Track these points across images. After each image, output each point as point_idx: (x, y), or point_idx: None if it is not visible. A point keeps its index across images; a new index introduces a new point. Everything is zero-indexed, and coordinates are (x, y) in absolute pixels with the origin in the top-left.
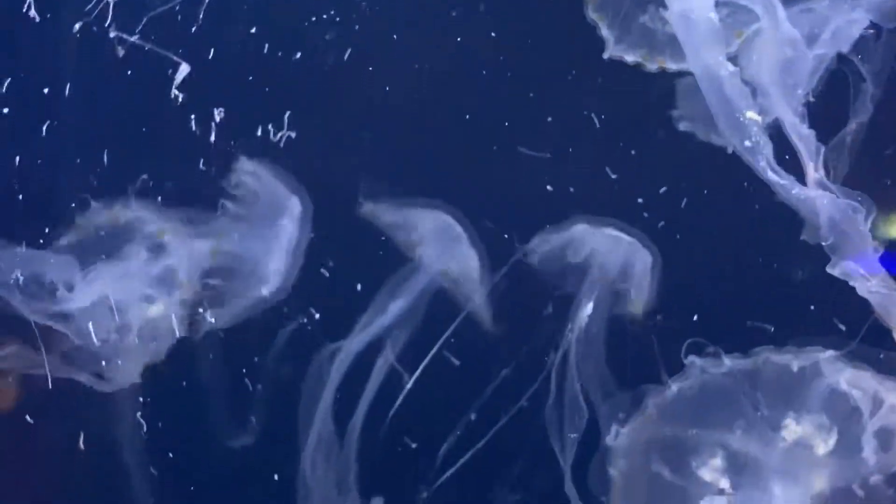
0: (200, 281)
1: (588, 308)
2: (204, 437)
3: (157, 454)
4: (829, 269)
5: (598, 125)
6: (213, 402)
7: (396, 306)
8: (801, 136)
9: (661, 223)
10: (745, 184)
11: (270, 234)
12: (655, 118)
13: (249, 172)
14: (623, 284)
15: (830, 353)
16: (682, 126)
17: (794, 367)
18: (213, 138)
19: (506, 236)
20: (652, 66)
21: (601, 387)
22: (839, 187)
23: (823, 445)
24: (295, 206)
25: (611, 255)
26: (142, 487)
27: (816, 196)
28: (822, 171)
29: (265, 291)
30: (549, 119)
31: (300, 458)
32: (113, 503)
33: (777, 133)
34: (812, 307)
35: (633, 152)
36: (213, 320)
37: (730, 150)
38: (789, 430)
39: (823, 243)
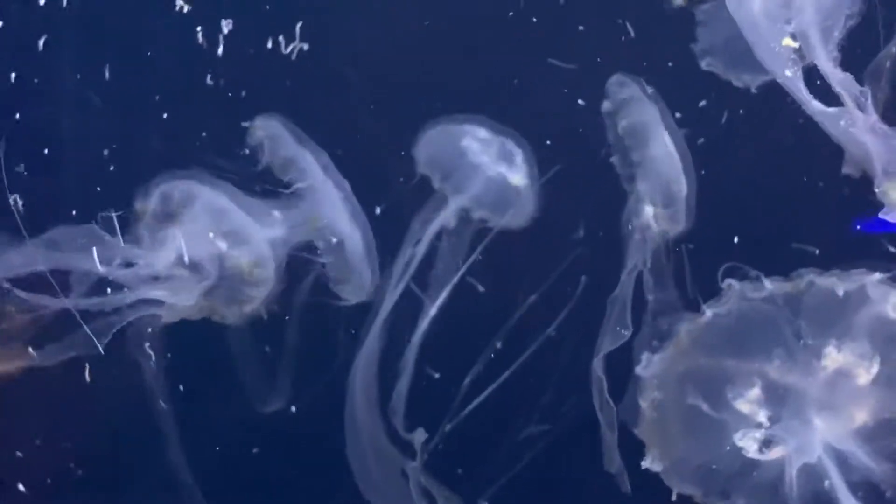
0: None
1: (649, 209)
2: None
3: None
4: (881, 216)
5: (633, 35)
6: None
7: (425, 233)
8: (839, 81)
9: (701, 140)
10: (789, 100)
11: (329, 191)
12: (694, 32)
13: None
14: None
15: (877, 275)
16: (705, 65)
17: (840, 291)
18: (220, 51)
19: (548, 143)
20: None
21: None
22: (891, 129)
23: (866, 374)
24: (309, 156)
25: (661, 158)
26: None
27: (866, 140)
28: (873, 115)
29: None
30: (580, 28)
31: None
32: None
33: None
34: (858, 227)
35: (669, 64)
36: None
37: (753, 90)
38: (830, 359)
39: (876, 189)
